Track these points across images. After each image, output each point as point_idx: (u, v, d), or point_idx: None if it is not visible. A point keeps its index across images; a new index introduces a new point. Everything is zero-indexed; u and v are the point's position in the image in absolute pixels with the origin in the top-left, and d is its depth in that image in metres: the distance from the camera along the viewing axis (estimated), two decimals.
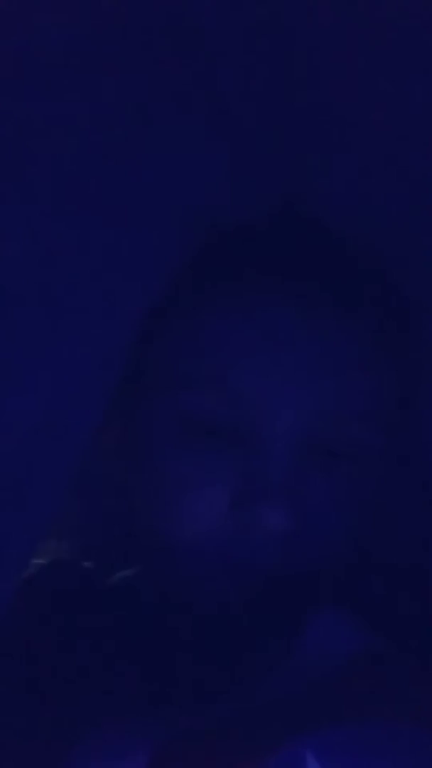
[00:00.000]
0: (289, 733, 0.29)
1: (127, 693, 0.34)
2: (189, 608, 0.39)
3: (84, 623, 0.40)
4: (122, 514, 0.43)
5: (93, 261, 0.34)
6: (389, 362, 0.40)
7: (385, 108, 0.34)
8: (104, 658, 0.38)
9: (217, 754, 0.29)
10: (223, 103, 0.34)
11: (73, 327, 0.35)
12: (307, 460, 0.38)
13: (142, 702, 0.34)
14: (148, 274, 0.36)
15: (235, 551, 0.37)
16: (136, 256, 0.35)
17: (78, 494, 0.45)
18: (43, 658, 0.38)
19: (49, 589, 0.43)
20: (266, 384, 0.37)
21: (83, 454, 0.37)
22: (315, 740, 0.29)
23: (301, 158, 0.37)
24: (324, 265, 0.39)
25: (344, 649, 0.34)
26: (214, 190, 0.36)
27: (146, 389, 0.40)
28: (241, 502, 0.37)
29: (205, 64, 0.34)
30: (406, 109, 0.34)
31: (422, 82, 0.33)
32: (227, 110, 0.34)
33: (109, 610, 0.42)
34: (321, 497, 0.38)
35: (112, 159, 0.34)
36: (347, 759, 0.29)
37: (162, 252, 0.36)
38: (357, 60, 0.32)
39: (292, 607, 0.36)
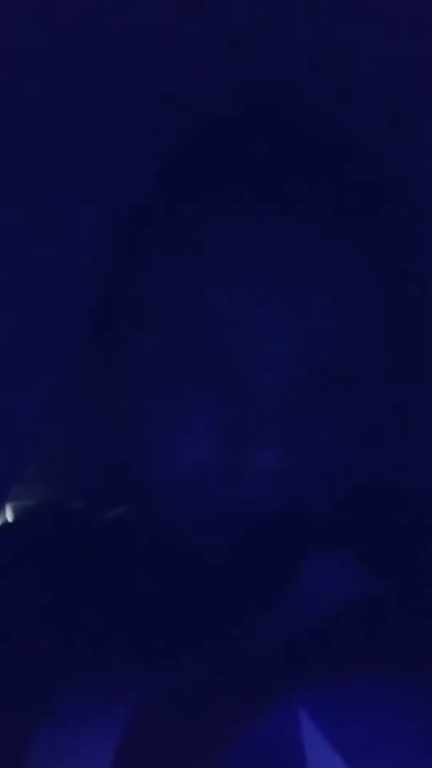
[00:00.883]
0: (281, 689, 0.27)
1: (109, 645, 0.32)
2: (178, 551, 0.36)
3: (72, 565, 0.39)
4: (110, 454, 0.40)
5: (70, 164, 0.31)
6: (388, 277, 0.36)
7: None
8: (92, 604, 0.36)
9: (203, 714, 0.27)
10: None
11: (52, 235, 0.32)
12: (300, 390, 0.34)
13: (125, 655, 0.32)
14: (124, 178, 0.33)
15: (226, 491, 0.35)
16: (113, 159, 0.32)
17: (64, 434, 0.43)
18: (25, 603, 0.36)
19: (36, 531, 0.41)
20: (252, 309, 0.34)
21: (62, 380, 0.35)
22: (309, 697, 0.27)
23: (288, 56, 0.32)
24: (313, 174, 0.35)
25: (342, 594, 0.32)
26: (192, 89, 0.32)
27: (127, 322, 0.37)
28: (231, 439, 0.34)
29: None
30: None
31: None
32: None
33: (100, 552, 0.40)
34: (316, 431, 0.35)
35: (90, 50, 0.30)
36: (344, 717, 0.27)
37: (141, 149, 0.33)
38: None
39: (286, 550, 0.34)
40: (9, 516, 0.43)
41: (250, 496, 0.35)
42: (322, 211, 0.35)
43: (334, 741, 0.27)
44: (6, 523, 0.42)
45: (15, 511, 0.43)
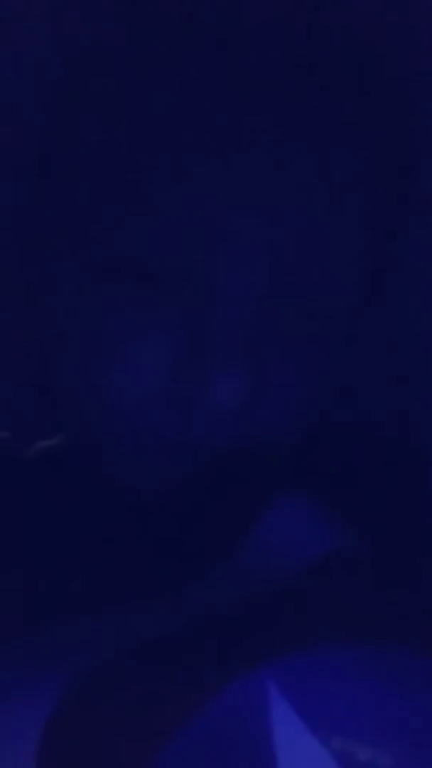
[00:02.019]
0: (244, 660, 0.24)
1: (43, 597, 0.28)
2: (120, 491, 0.32)
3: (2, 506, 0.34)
4: (42, 378, 0.35)
5: None
6: (365, 193, 0.31)
7: None
8: (20, 550, 0.32)
9: (151, 687, 0.24)
10: None
11: None
12: (265, 316, 0.30)
13: (63, 608, 0.28)
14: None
15: (177, 424, 0.31)
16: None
17: None
18: None
19: None
20: (216, 220, 0.29)
21: None
22: (277, 668, 0.24)
23: None
24: (301, 67, 0.29)
25: (309, 546, 0.28)
26: None
27: (65, 227, 0.31)
28: (186, 366, 0.30)
29: None
30: None
31: None
32: None
33: (27, 488, 0.36)
34: (282, 362, 0.31)
35: None
36: (315, 689, 0.24)
37: None
38: None
39: (245, 493, 0.30)
40: None
41: (205, 431, 0.31)
42: (307, 115, 0.29)
43: (304, 714, 0.24)
44: None
45: None
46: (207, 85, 0.29)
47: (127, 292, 0.30)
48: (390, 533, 0.29)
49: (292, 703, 0.24)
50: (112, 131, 0.30)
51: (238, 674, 0.24)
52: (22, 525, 0.33)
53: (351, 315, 0.32)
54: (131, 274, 0.30)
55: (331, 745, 0.23)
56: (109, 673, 0.25)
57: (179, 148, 0.29)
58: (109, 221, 0.30)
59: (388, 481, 0.31)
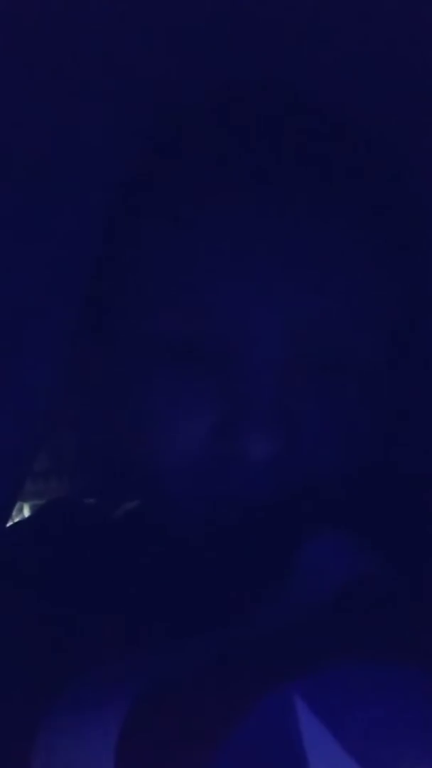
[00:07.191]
0: (276, 675, 0.27)
1: (110, 637, 0.32)
2: (181, 541, 0.36)
3: (83, 561, 0.39)
4: (115, 448, 0.40)
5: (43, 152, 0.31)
6: (388, 259, 0.35)
7: None
8: (99, 596, 0.36)
9: (199, 702, 0.27)
10: None
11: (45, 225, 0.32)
12: (298, 377, 0.34)
13: (129, 643, 0.32)
14: (104, 167, 0.33)
15: (224, 481, 0.35)
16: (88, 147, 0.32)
17: (71, 430, 0.43)
18: (37, 597, 0.36)
19: (48, 527, 0.42)
20: (244, 298, 0.33)
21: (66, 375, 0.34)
22: (305, 683, 0.27)
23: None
24: (309, 161, 0.34)
25: (341, 576, 0.31)
26: (164, 67, 0.32)
27: (115, 315, 0.37)
28: (227, 430, 0.34)
29: None
30: None
31: None
32: None
33: (107, 545, 0.40)
34: (315, 417, 0.34)
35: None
36: (341, 703, 0.26)
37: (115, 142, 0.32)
38: None
39: (285, 535, 0.33)
40: (21, 513, 0.43)
41: (248, 484, 0.35)
42: (321, 198, 0.34)
43: (333, 728, 0.26)
44: (19, 521, 0.42)
45: (27, 509, 0.43)
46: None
47: (174, 364, 0.35)
48: (411, 564, 0.31)
49: (319, 716, 0.26)
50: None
51: (271, 691, 0.27)
52: (100, 575, 0.37)
53: (375, 367, 0.35)
54: (184, 353, 0.35)
55: (353, 748, 0.25)
56: (167, 692, 0.28)
57: (220, 262, 0.34)
58: (161, 308, 0.35)
59: (409, 520, 0.34)
